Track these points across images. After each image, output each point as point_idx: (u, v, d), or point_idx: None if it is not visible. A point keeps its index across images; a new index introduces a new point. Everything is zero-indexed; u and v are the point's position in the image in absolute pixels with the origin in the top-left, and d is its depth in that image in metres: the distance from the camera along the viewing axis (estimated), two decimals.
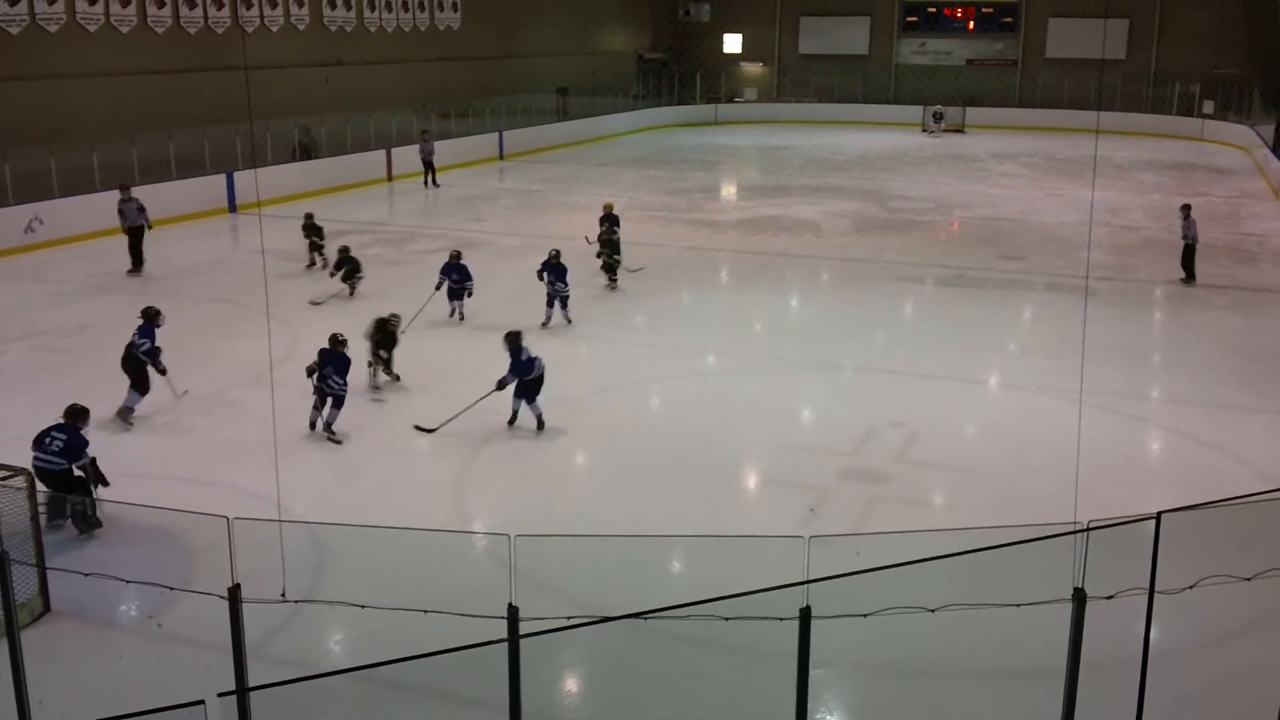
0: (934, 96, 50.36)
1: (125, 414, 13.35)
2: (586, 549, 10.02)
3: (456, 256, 18.81)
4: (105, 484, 10.99)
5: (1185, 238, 20.93)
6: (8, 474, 9.12)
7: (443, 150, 35.46)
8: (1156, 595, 6.31)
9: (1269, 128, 38.27)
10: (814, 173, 36.81)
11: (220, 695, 5.50)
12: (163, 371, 13.66)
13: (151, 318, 13.92)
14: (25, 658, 6.28)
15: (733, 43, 57.15)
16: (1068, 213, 29.10)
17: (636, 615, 5.80)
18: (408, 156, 33.53)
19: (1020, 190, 33.45)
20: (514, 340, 13.39)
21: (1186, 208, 21.26)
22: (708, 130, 49.78)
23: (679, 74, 53.62)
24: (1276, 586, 6.61)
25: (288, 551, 9.57)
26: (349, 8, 35.95)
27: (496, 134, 38.78)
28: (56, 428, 10.71)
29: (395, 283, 21.26)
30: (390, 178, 33.11)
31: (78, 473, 10.67)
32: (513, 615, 5.60)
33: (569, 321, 18.05)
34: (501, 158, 38.73)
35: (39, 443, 10.54)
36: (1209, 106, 47.57)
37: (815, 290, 21.58)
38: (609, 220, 21.80)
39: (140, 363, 13.53)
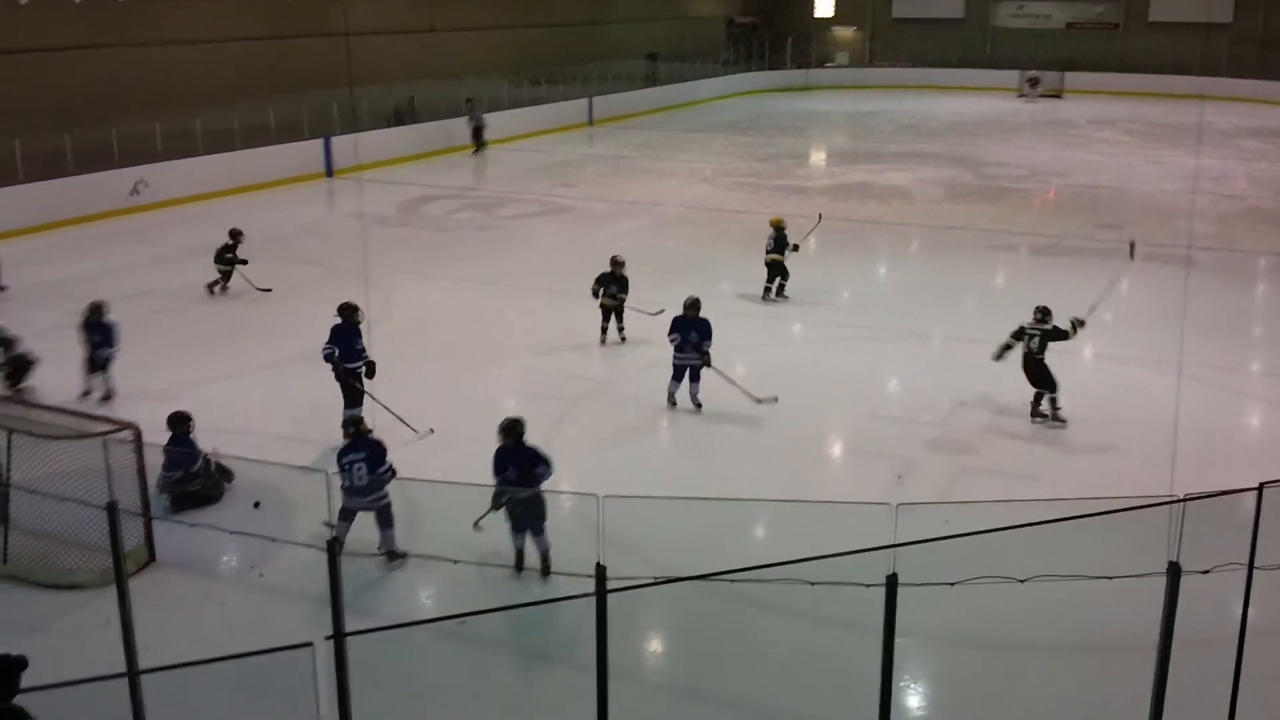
0: (1032, 61, 49.12)
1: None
2: (672, 513, 10.11)
3: (97, 312, 13.51)
4: (229, 478, 10.79)
5: None
6: (116, 428, 9.47)
7: (533, 115, 35.67)
8: (1255, 572, 6.18)
9: None
10: (905, 139, 36.24)
11: (326, 639, 5.69)
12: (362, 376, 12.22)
13: (349, 315, 12.34)
14: (131, 605, 6.54)
15: (824, 6, 56.31)
16: (1168, 180, 28.29)
17: (721, 574, 5.87)
18: (498, 122, 33.78)
19: (1119, 157, 32.56)
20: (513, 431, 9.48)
21: None
22: (798, 96, 49.25)
23: (769, 39, 53.02)
24: None
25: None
26: None
27: (586, 100, 38.82)
28: (171, 441, 10.43)
29: (487, 247, 21.53)
30: (488, 143, 33.36)
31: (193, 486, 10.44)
32: (600, 574, 5.70)
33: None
34: (591, 123, 38.79)
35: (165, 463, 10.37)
36: None
37: (905, 258, 21.32)
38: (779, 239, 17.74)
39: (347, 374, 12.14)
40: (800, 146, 36.28)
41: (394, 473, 9.46)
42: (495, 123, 33.70)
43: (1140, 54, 49.22)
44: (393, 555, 9.49)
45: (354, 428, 9.76)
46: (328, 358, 12.19)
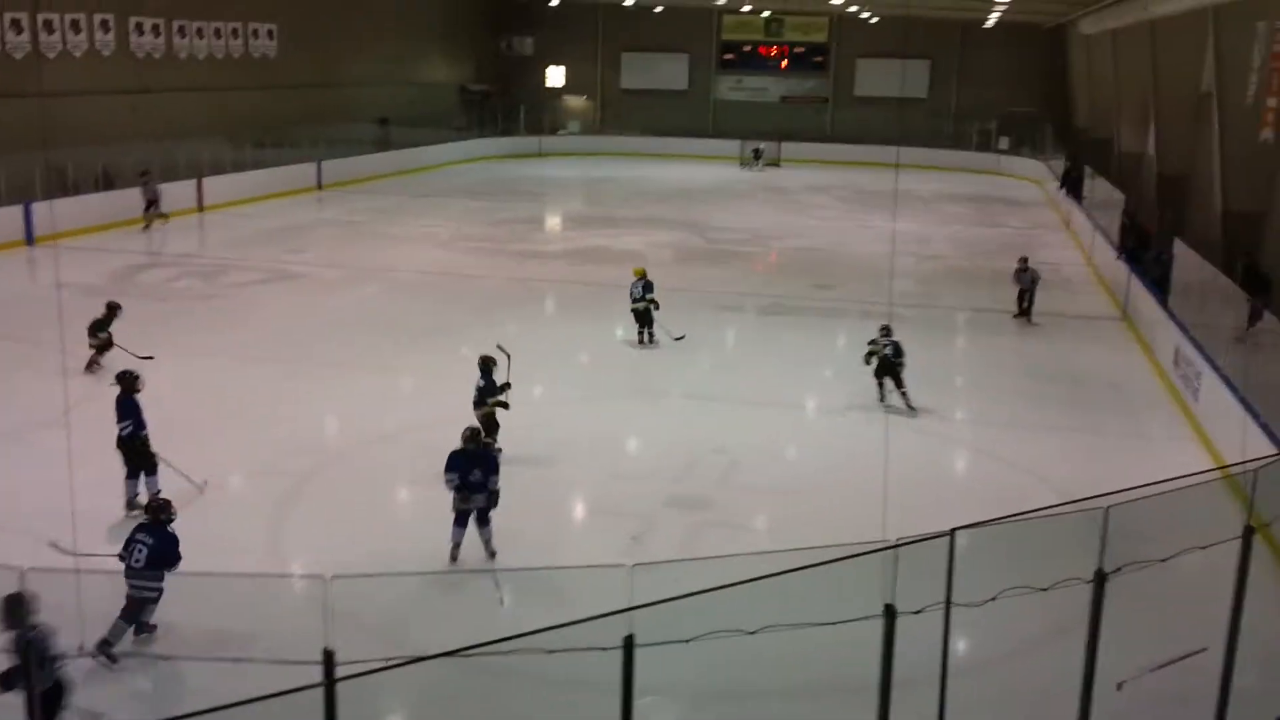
0: (752, 132, 51.69)
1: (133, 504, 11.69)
2: (410, 588, 9.86)
3: None
4: None
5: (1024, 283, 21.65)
6: None
7: (257, 179, 34.51)
8: (965, 609, 6.60)
9: (1059, 162, 40.75)
10: (637, 204, 37.30)
11: None
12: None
13: (131, 384, 11.97)
14: None
15: (556, 76, 57.52)
16: (876, 243, 30.28)
17: (456, 652, 5.74)
18: (220, 186, 32.51)
19: (833, 222, 34.64)
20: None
21: (1025, 259, 21.94)
22: (532, 162, 49.89)
23: (502, 106, 53.62)
24: (1072, 596, 7.01)
25: (89, 603, 9.11)
26: (157, 34, 34.65)
27: (314, 164, 37.92)
28: None
29: (210, 317, 20.55)
30: (201, 208, 31.96)
31: None
32: (328, 659, 5.44)
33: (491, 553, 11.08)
34: (320, 188, 37.88)
35: None
36: (1005, 142, 50.37)
37: None
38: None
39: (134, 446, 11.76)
40: (536, 211, 36.72)
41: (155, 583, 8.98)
42: (216, 187, 32.44)
43: (848, 126, 52.76)
44: (106, 645, 8.78)
45: (150, 513, 9.30)
46: (131, 436, 11.61)
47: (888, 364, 15.82)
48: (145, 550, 8.99)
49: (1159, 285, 20.05)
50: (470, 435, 11.04)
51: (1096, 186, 32.05)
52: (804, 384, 17.30)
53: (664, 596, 6.05)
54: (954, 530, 6.28)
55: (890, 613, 6.09)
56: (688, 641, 5.87)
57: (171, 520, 9.30)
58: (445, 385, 16.38)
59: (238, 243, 28.19)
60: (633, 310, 19.05)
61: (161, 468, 11.85)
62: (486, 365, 13.42)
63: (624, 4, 51.33)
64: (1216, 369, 14.81)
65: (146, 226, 28.94)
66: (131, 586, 9.00)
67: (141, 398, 12.17)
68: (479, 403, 13.23)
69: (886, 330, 16.00)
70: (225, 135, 34.66)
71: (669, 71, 56.34)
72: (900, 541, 6.01)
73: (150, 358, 16.31)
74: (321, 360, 17.68)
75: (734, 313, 22.17)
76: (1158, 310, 19.07)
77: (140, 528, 9.23)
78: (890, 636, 6.21)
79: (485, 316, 20.95)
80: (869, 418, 15.22)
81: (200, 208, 31.98)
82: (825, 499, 12.63)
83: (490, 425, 13.23)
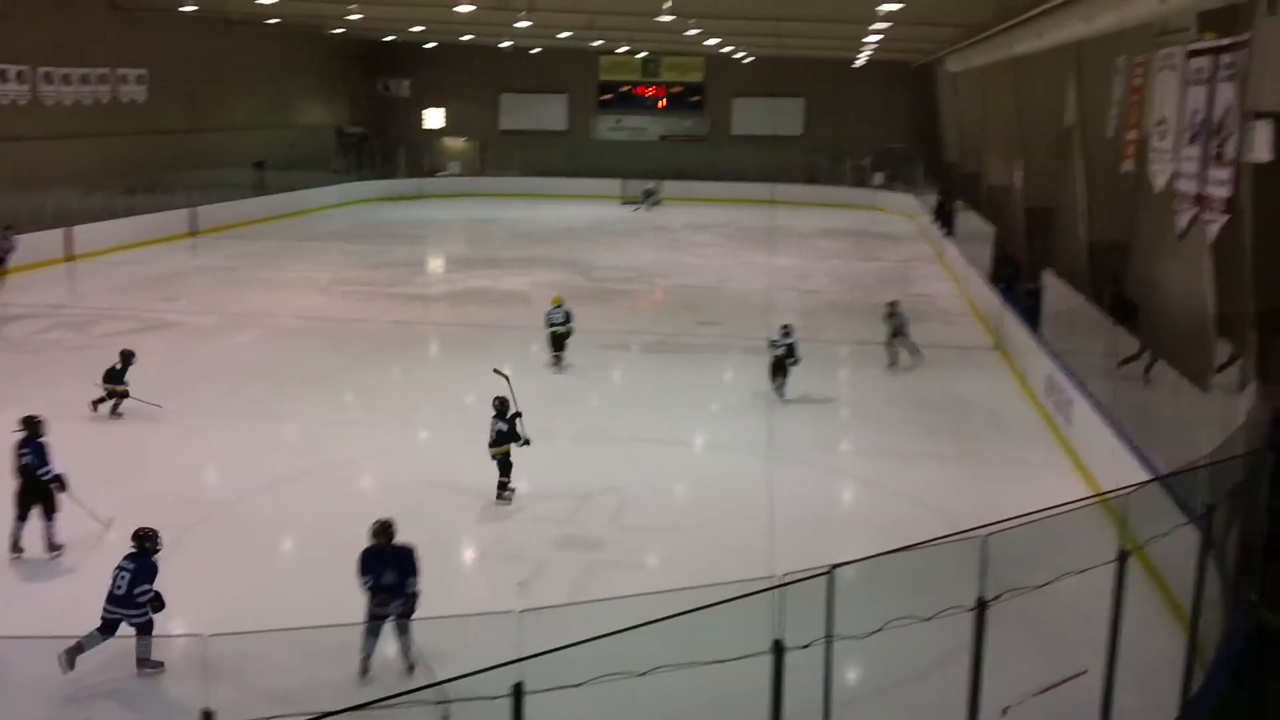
0: (632, 171, 52.13)
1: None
2: (295, 643, 9.57)
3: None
4: None
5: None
6: None
7: (129, 226, 33.51)
8: (853, 641, 6.69)
9: (932, 196, 41.99)
10: (520, 245, 37.25)
11: None
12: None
13: (37, 427, 11.95)
14: None
15: (434, 118, 57.28)
16: (758, 279, 30.75)
17: (347, 710, 5.61)
18: (91, 234, 31.51)
19: (715, 259, 35.05)
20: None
21: (894, 303, 21.74)
22: (412, 204, 49.45)
23: (380, 148, 53.12)
24: (956, 624, 7.15)
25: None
26: (22, 80, 33.49)
27: (188, 210, 36.98)
28: None
29: (82, 369, 19.79)
30: (71, 257, 30.88)
31: None
32: None
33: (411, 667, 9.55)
34: (194, 233, 36.94)
35: None
36: (879, 178, 51.72)
37: (526, 360, 21.71)
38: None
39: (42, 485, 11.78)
40: (417, 254, 36.39)
41: (157, 602, 9.46)
42: (90, 234, 31.40)
43: (727, 163, 53.58)
44: (145, 663, 9.30)
45: (139, 542, 9.64)
46: (55, 477, 11.74)
47: (779, 364, 17.63)
48: (128, 576, 9.38)
49: (1030, 315, 20.72)
50: (380, 529, 9.54)
51: (967, 219, 33.08)
52: (691, 420, 17.42)
53: (555, 641, 6.00)
54: (834, 567, 6.36)
55: (778, 648, 6.14)
56: (577, 686, 5.82)
57: (158, 550, 9.67)
58: (328, 431, 16.15)
59: (110, 291, 27.31)
60: (550, 333, 19.92)
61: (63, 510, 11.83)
62: (504, 406, 13.49)
63: (500, 46, 51.42)
64: (1088, 395, 15.35)
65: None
66: (109, 613, 9.31)
67: (5, 455, 11.71)
68: (496, 443, 13.43)
69: (786, 330, 17.85)
70: (95, 182, 33.63)
71: (548, 112, 56.61)
72: (785, 580, 6.07)
73: (159, 405, 16.75)
74: (199, 410, 17.20)
75: (619, 351, 22.25)
76: (1030, 339, 19.71)
77: (127, 556, 9.57)
78: (779, 672, 6.25)
79: (367, 360, 20.65)
80: (755, 452, 15.38)
81: (70, 257, 30.89)
82: (715, 535, 12.69)
83: (505, 466, 13.52)
